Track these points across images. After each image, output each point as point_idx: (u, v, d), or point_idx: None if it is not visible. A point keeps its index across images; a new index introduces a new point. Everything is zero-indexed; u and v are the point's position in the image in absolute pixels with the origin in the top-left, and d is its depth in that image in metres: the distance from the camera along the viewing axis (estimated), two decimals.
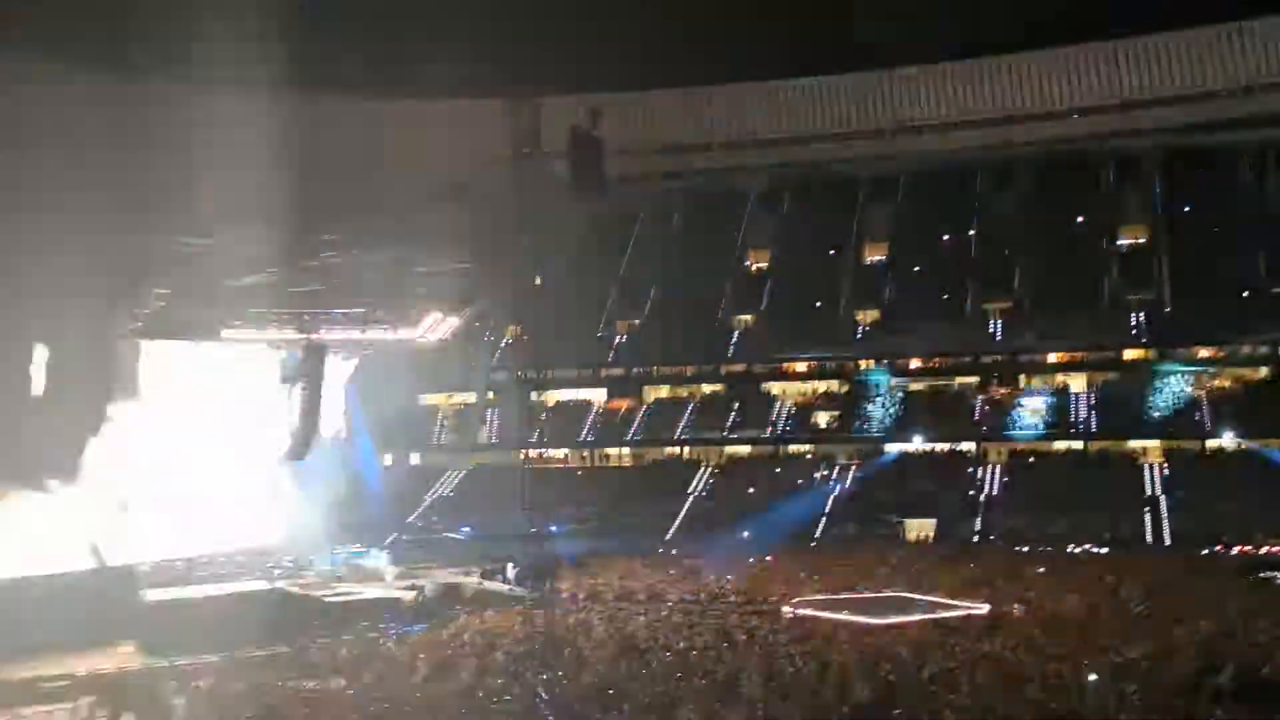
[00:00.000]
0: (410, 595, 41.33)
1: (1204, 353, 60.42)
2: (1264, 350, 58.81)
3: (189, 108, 68.92)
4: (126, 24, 61.39)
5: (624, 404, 67.90)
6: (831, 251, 74.29)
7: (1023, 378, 63.09)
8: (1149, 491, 53.29)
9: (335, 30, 66.90)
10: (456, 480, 64.77)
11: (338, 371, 54.79)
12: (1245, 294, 62.52)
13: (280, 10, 52.69)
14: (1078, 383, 61.67)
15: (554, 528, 36.26)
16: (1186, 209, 69.49)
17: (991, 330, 65.56)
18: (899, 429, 61.46)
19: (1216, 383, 59.04)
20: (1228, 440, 55.79)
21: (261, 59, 55.70)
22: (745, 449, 63.78)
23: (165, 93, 69.30)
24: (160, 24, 61.06)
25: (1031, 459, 58.00)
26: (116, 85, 67.05)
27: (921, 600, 34.70)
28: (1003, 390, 62.41)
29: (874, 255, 74.35)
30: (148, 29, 62.21)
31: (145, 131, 65.86)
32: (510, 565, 41.43)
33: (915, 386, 64.44)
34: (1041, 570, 41.79)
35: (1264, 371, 58.63)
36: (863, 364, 65.82)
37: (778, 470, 60.89)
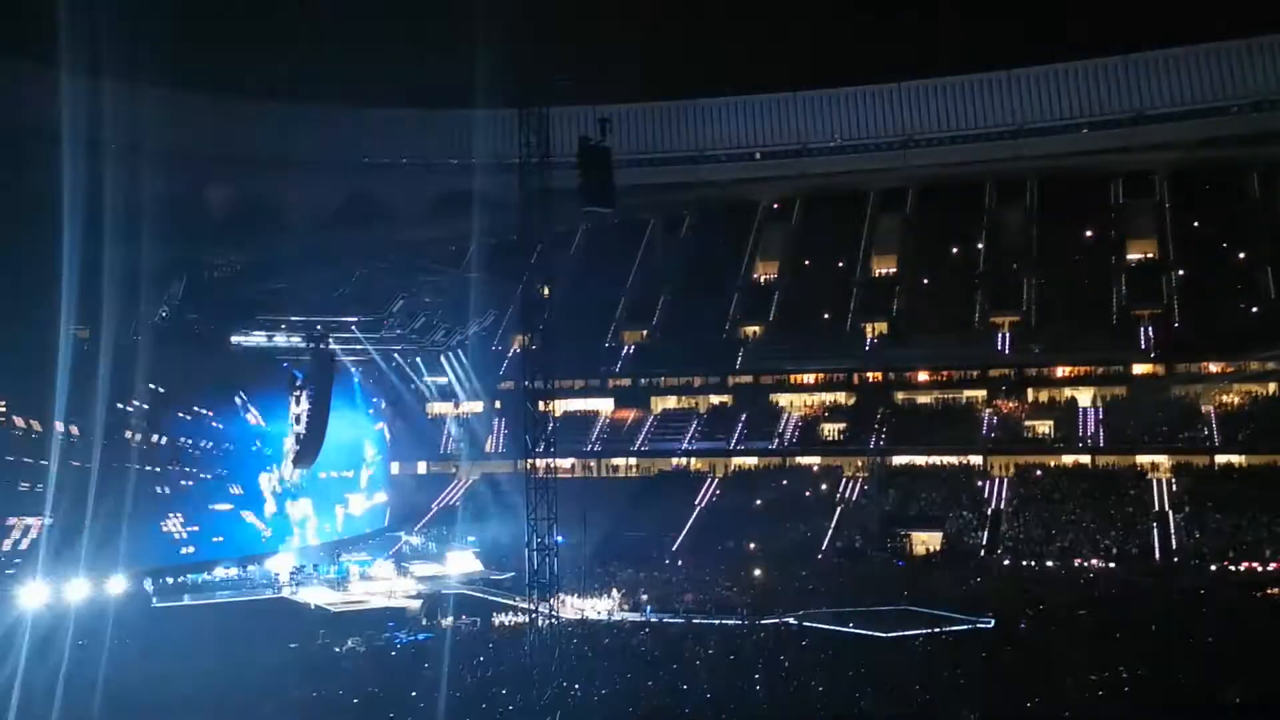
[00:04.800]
0: (414, 604, 41.45)
1: (1213, 367, 60.16)
2: (1272, 365, 58.49)
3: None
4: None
5: (631, 414, 67.79)
6: (840, 264, 74.31)
7: (1031, 391, 62.86)
8: (1156, 506, 53.02)
9: (342, 40, 67.21)
10: (463, 490, 64.77)
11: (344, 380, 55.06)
12: (1254, 309, 62.40)
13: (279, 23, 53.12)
14: (1085, 397, 61.43)
15: (559, 538, 36.20)
16: (1195, 224, 69.40)
17: (1000, 344, 65.40)
18: (906, 441, 61.32)
19: (1225, 397, 58.79)
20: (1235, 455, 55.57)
21: (268, 70, 56.13)
22: (752, 460, 63.61)
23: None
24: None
25: (1039, 472, 57.73)
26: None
27: None
28: (1011, 404, 62.21)
29: (883, 268, 74.38)
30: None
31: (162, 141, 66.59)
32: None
33: (923, 399, 64.34)
34: None
35: (1273, 387, 58.38)
36: (870, 376, 65.69)
37: (784, 482, 60.64)
